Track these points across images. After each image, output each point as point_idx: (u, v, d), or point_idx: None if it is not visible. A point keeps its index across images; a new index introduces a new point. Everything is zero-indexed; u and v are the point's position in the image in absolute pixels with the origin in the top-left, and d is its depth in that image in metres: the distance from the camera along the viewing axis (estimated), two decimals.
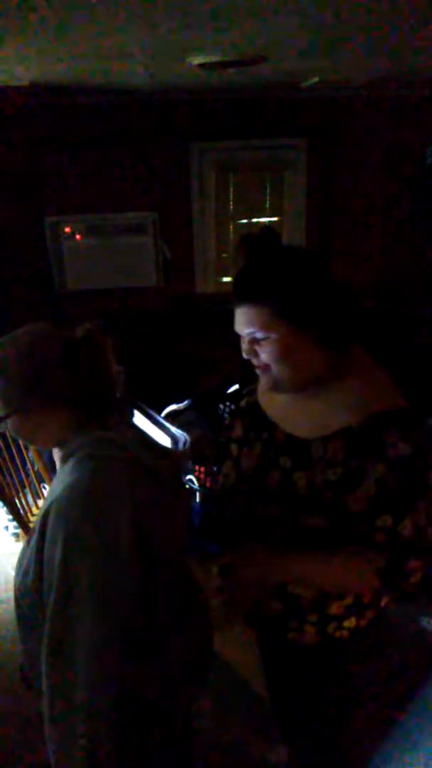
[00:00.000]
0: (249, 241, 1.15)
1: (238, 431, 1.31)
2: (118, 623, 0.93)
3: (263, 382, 1.18)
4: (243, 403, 1.35)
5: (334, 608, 1.21)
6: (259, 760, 1.89)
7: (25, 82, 2.89)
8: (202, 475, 2.81)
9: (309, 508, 1.12)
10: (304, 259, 1.13)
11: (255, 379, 1.41)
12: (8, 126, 3.46)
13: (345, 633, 1.24)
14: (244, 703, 2.10)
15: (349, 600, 1.21)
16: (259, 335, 1.09)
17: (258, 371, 1.16)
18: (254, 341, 1.11)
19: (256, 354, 1.13)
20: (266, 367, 1.13)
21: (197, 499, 2.83)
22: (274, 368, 1.12)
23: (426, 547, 1.07)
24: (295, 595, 1.20)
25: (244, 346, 1.13)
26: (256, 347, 1.12)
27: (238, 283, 1.12)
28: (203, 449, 1.49)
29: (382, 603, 1.27)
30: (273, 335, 1.08)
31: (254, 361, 1.14)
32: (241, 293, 1.10)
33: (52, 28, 1.93)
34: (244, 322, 1.10)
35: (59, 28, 1.93)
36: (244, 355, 1.15)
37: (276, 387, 1.16)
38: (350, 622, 1.23)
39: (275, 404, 1.25)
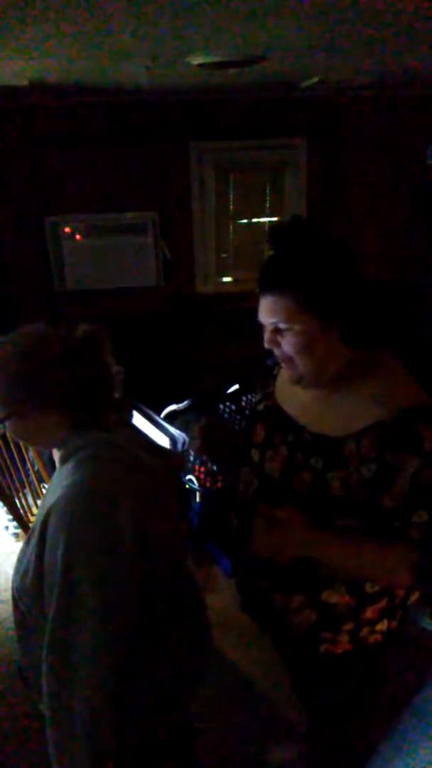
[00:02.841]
0: (277, 231, 1.13)
1: (259, 436, 1.27)
2: (120, 624, 0.93)
3: (286, 375, 1.17)
4: (261, 407, 1.31)
5: (369, 613, 1.19)
6: (261, 760, 1.89)
7: (25, 82, 2.89)
8: (202, 475, 2.81)
9: (342, 509, 1.09)
10: (332, 250, 1.09)
11: (262, 381, 1.40)
12: (8, 126, 3.46)
13: (378, 637, 1.22)
14: (245, 703, 2.10)
15: (383, 603, 1.19)
16: (282, 326, 1.08)
17: (282, 363, 1.15)
18: (277, 331, 1.10)
19: (278, 345, 1.11)
20: (289, 360, 1.12)
21: (197, 499, 2.83)
22: (297, 360, 1.10)
23: None
24: (330, 604, 1.18)
25: (267, 335, 1.12)
26: (279, 338, 1.10)
27: (265, 271, 1.10)
28: (215, 433, 1.40)
29: (410, 601, 1.25)
30: (297, 326, 1.07)
31: (276, 352, 1.13)
32: (267, 282, 1.09)
33: (52, 28, 1.93)
34: (268, 312, 1.09)
35: (59, 27, 1.93)
36: (266, 345, 1.13)
37: (299, 381, 1.14)
38: (383, 625, 1.21)
39: (296, 404, 1.22)
